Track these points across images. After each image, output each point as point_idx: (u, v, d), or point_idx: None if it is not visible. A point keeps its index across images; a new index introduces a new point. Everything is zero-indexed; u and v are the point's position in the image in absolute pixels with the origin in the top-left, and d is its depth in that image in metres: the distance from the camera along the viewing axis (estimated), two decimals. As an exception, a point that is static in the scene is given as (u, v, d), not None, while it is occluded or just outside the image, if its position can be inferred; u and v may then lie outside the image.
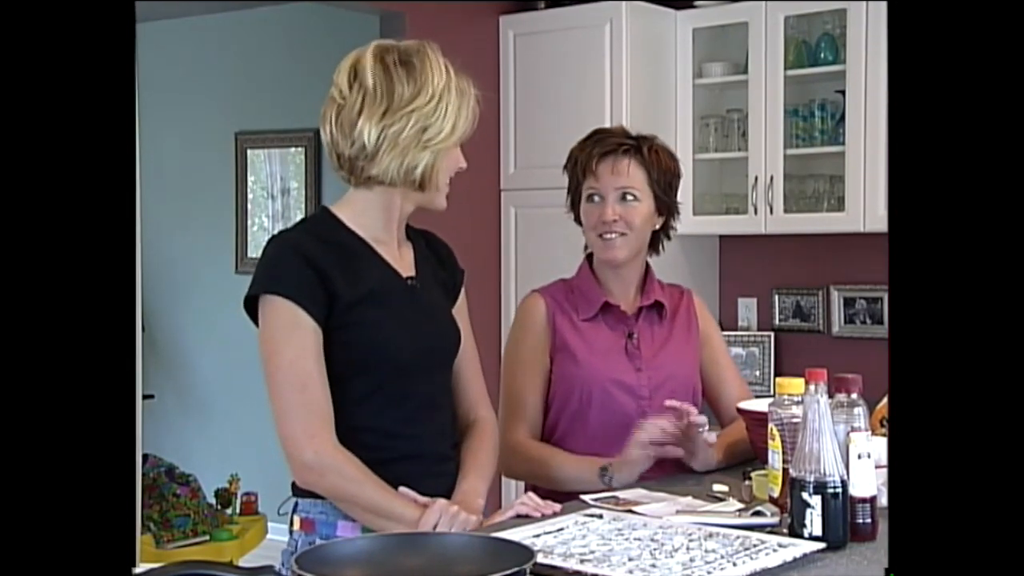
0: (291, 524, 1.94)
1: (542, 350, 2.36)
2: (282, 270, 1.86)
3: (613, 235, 2.33)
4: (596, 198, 2.35)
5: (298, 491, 1.92)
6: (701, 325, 2.48)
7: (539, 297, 2.40)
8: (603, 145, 2.36)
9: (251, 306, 1.90)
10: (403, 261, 1.98)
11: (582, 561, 1.55)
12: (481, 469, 2.00)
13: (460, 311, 2.08)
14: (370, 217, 1.94)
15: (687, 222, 4.31)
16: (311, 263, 1.85)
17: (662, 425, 2.15)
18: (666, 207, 2.40)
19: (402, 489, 1.85)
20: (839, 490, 1.65)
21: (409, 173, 1.88)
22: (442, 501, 1.85)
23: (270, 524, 4.54)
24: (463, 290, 2.11)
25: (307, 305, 1.84)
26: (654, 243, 2.45)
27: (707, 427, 2.19)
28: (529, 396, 2.35)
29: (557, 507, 1.92)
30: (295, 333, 1.84)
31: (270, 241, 1.92)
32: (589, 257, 2.45)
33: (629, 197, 2.34)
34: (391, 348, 1.89)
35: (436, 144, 1.88)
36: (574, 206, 2.42)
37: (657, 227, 2.42)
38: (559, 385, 2.35)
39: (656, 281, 2.45)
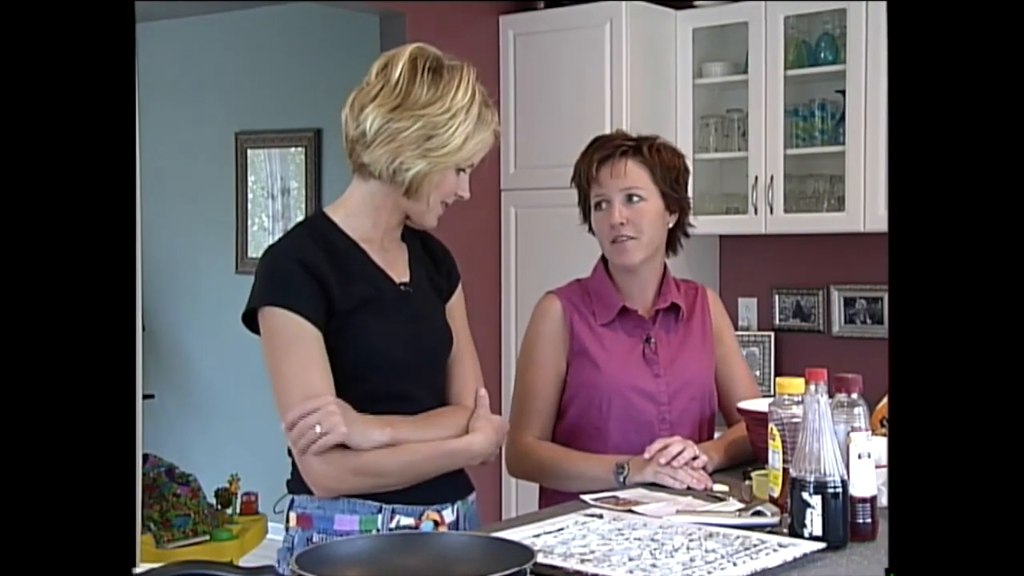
0: (287, 521, 1.93)
1: (558, 353, 2.35)
2: (281, 281, 1.85)
3: (624, 239, 2.32)
4: (603, 204, 2.34)
5: (294, 488, 1.92)
6: (714, 323, 2.46)
7: (555, 299, 2.39)
8: (602, 150, 2.35)
9: (250, 318, 1.89)
10: (396, 265, 1.97)
11: (582, 561, 1.55)
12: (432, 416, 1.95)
13: (453, 310, 2.07)
14: (360, 218, 1.94)
15: (687, 222, 4.34)
16: (310, 270, 1.84)
17: (681, 453, 2.13)
18: (676, 204, 2.40)
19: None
20: (839, 490, 1.65)
21: (398, 173, 1.87)
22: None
23: (270, 524, 4.54)
24: (459, 289, 2.10)
25: (308, 313, 1.83)
26: (671, 242, 2.44)
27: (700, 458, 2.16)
28: (542, 398, 2.34)
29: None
30: (298, 344, 1.83)
31: (267, 252, 1.90)
32: (604, 259, 2.44)
33: (635, 198, 2.33)
34: (384, 354, 1.88)
35: (434, 155, 1.86)
36: (586, 217, 2.41)
37: (671, 225, 2.41)
38: (578, 391, 2.34)
39: (672, 281, 2.43)
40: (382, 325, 1.89)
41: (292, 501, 1.93)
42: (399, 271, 1.97)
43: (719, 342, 2.46)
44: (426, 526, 1.89)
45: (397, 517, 1.88)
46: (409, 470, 1.87)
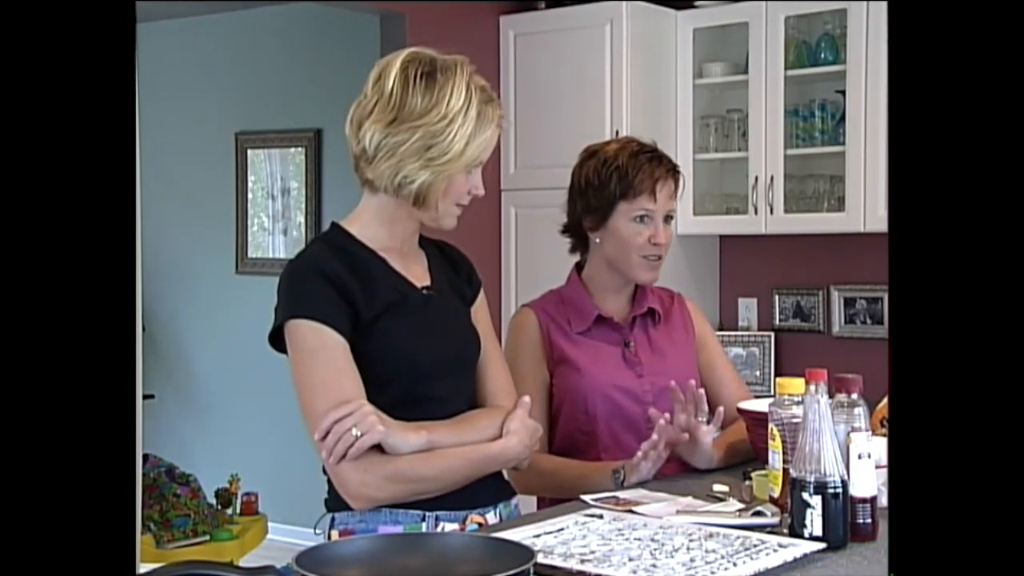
0: (328, 539, 1.88)
1: (540, 364, 2.35)
2: (303, 292, 1.84)
3: (657, 258, 2.34)
4: (646, 219, 2.32)
5: (332, 505, 1.90)
6: (697, 330, 2.48)
7: (530, 311, 2.40)
8: (661, 167, 2.34)
9: (276, 338, 1.87)
10: (416, 271, 1.97)
11: (583, 561, 1.55)
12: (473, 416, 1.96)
13: (477, 313, 2.07)
14: (375, 229, 1.93)
15: (687, 222, 4.34)
16: (331, 281, 1.83)
17: (671, 426, 2.13)
18: None
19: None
20: (839, 490, 1.65)
21: (403, 186, 1.86)
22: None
23: (270, 524, 4.54)
24: (482, 293, 2.10)
25: (333, 322, 1.82)
26: None
27: (706, 413, 2.17)
28: (533, 412, 2.34)
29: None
30: (325, 353, 1.81)
31: (287, 267, 1.90)
32: (578, 267, 2.45)
33: (670, 219, 2.37)
34: (409, 358, 1.87)
35: (437, 164, 1.84)
36: (597, 216, 2.34)
37: None
38: (564, 397, 2.34)
39: (647, 288, 2.44)
40: (407, 329, 1.88)
41: (333, 519, 1.90)
42: (420, 276, 1.97)
43: (702, 348, 2.48)
44: (471, 529, 1.88)
45: (441, 524, 1.87)
46: (445, 476, 1.85)
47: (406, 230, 1.96)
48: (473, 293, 2.08)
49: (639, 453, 2.13)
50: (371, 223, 1.94)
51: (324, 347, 1.82)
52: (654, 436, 2.12)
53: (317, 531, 1.91)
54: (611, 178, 2.32)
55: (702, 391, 2.16)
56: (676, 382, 2.23)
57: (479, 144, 1.87)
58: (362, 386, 1.82)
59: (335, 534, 1.88)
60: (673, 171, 2.37)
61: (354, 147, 1.89)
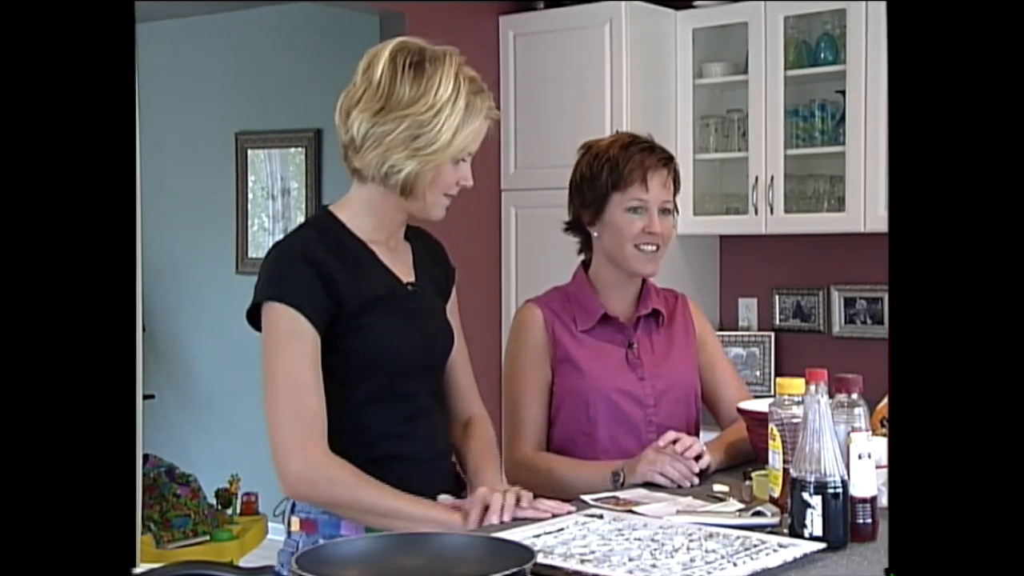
0: (288, 525, 1.92)
1: (542, 362, 2.35)
2: (285, 276, 1.85)
3: (654, 248, 2.33)
4: (640, 210, 2.32)
5: None
6: (697, 330, 2.48)
7: (535, 307, 2.39)
8: (652, 157, 2.33)
9: (254, 315, 1.89)
10: (402, 265, 1.98)
11: (582, 561, 1.55)
12: (494, 462, 2.02)
13: (451, 309, 2.08)
14: (364, 218, 1.94)
15: (687, 222, 4.34)
16: (315, 268, 1.84)
17: (673, 466, 2.13)
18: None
19: (441, 498, 1.86)
20: (839, 490, 1.65)
21: (390, 176, 1.86)
22: (481, 491, 1.83)
23: (270, 524, 4.54)
24: (454, 289, 2.11)
25: (309, 312, 1.83)
26: None
27: (704, 458, 2.18)
28: (532, 410, 2.34)
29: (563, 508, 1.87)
30: (294, 341, 1.83)
31: (273, 248, 1.91)
32: (584, 265, 2.45)
33: (668, 212, 2.36)
34: (392, 352, 1.89)
35: (424, 154, 1.84)
36: (593, 210, 2.35)
37: None
38: (564, 398, 2.34)
39: (653, 288, 2.44)
40: (391, 325, 1.90)
41: (294, 505, 1.92)
42: (405, 271, 1.98)
43: (703, 348, 2.47)
44: None
45: None
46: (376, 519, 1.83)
47: (393, 221, 1.96)
48: (449, 285, 2.10)
49: (660, 441, 2.15)
50: (360, 212, 1.94)
51: (295, 334, 1.83)
52: (678, 439, 2.14)
53: (276, 513, 1.93)
54: (603, 170, 2.33)
55: (685, 440, 2.16)
56: (677, 394, 2.24)
57: (467, 135, 1.87)
58: (320, 377, 1.83)
59: (296, 521, 1.91)
60: (666, 160, 2.35)
61: (343, 136, 1.89)
